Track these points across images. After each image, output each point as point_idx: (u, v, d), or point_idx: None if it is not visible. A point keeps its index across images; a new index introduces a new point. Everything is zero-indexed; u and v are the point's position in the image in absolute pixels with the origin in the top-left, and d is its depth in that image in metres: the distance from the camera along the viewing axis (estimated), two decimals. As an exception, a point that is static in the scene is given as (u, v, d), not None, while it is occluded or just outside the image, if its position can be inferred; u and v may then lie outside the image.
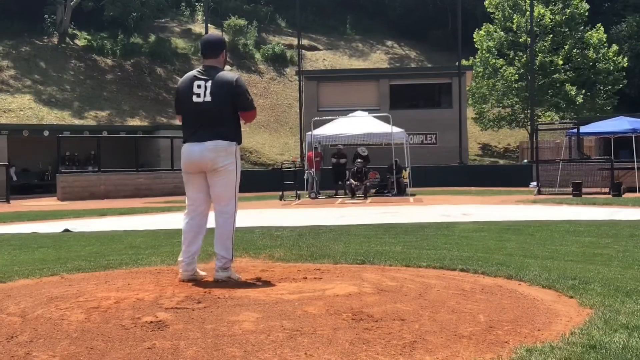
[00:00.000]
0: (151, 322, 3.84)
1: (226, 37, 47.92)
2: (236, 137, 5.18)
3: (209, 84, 5.11)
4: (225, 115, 5.12)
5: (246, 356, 3.28)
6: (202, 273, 5.36)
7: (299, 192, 21.28)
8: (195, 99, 5.13)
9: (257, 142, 39.41)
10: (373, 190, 22.50)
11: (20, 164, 29.30)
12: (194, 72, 5.28)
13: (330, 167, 23.88)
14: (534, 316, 4.08)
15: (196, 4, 54.73)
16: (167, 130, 30.97)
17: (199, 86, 5.13)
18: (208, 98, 5.08)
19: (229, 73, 5.26)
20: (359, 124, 22.79)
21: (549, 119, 38.93)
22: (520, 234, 9.32)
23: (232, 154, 5.12)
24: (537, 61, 37.19)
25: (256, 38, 50.98)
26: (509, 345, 3.45)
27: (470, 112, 38.99)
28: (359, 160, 21.71)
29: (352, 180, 21.02)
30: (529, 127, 34.75)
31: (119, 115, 39.75)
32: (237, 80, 5.16)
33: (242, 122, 5.33)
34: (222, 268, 5.16)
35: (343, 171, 22.55)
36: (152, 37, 48.82)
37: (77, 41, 46.29)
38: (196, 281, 5.21)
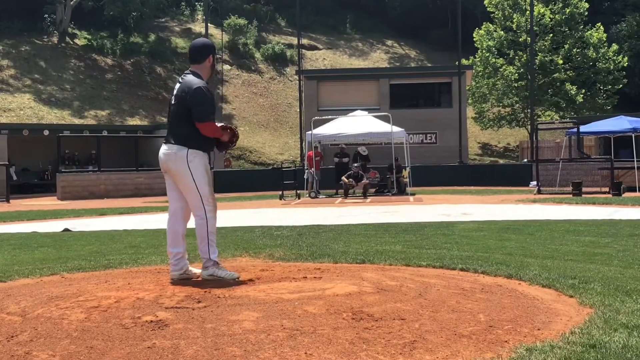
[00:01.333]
0: (151, 321, 3.85)
1: (226, 37, 47.98)
2: (188, 142, 5.12)
3: (177, 87, 5.26)
4: (181, 119, 5.17)
5: (246, 355, 3.28)
6: (197, 271, 5.36)
7: (299, 191, 21.28)
8: (170, 100, 5.36)
9: (257, 142, 39.42)
10: (373, 190, 22.49)
11: (20, 164, 29.28)
12: (182, 75, 5.45)
13: (333, 166, 23.88)
14: (533, 315, 4.08)
15: (196, 3, 54.72)
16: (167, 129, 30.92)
17: (175, 88, 5.30)
18: (172, 101, 5.26)
19: (194, 79, 5.20)
20: (359, 124, 22.77)
21: (549, 118, 38.90)
22: (520, 233, 9.32)
23: (182, 158, 5.11)
24: (537, 60, 37.19)
25: (256, 37, 50.97)
26: (509, 344, 3.46)
27: (470, 112, 39.01)
28: (354, 165, 21.69)
29: (345, 179, 20.93)
30: (529, 127, 34.73)
31: (119, 114, 39.75)
32: (196, 88, 5.11)
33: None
34: (204, 267, 5.26)
35: (346, 170, 22.57)
36: (152, 37, 48.81)
37: (77, 40, 46.28)
38: (193, 280, 5.21)
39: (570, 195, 18.67)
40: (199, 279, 5.25)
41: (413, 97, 35.11)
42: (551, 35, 39.30)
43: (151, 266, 6.40)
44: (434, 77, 35.81)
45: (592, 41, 38.86)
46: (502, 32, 39.96)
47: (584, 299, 4.52)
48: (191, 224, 5.36)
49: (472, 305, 4.27)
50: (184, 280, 5.21)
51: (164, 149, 5.24)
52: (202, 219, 5.18)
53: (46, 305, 4.35)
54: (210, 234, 5.18)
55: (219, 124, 5.34)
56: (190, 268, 5.36)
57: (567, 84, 38.44)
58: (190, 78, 5.22)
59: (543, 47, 38.79)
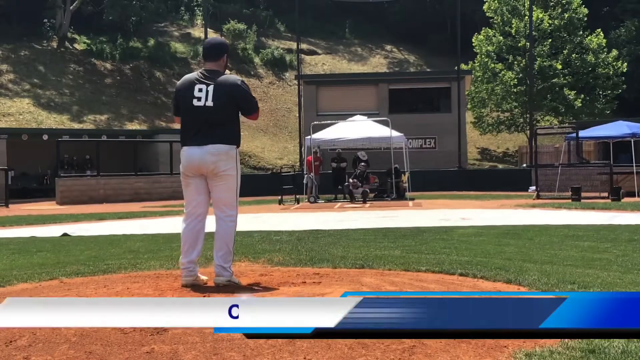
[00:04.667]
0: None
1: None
2: (236, 141, 5.16)
3: (210, 87, 5.07)
4: (227, 118, 5.10)
5: (245, 360, 3.27)
6: (204, 277, 5.34)
7: (298, 196, 21.28)
8: (195, 102, 5.09)
9: (257, 146, 39.41)
10: (372, 195, 22.50)
11: (19, 168, 29.26)
12: (194, 75, 5.24)
13: (330, 171, 23.90)
14: (533, 320, 4.07)
15: (195, 8, 54.80)
16: (166, 134, 30.97)
17: (200, 90, 5.09)
18: (210, 102, 5.05)
19: (232, 76, 5.28)
20: (358, 128, 22.79)
21: (548, 123, 38.94)
22: (519, 238, 9.32)
23: (232, 157, 5.10)
24: (536, 65, 37.24)
25: (255, 42, 51.05)
26: (508, 349, 3.45)
27: (469, 117, 39.02)
28: (362, 164, 21.70)
29: (351, 180, 20.97)
30: (528, 132, 34.77)
31: (118, 119, 39.76)
32: (241, 84, 5.18)
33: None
34: (219, 273, 5.16)
35: (343, 175, 22.56)
36: (152, 41, 48.86)
37: (76, 45, 46.32)
38: (196, 286, 5.21)
39: (570, 200, 18.67)
40: (206, 284, 5.24)
41: (412, 102, 35.11)
42: (550, 40, 39.37)
43: (150, 271, 6.39)
44: (433, 82, 35.83)
45: (591, 47, 38.92)
46: (501, 37, 40.01)
47: (583, 304, 4.51)
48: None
49: (471, 311, 4.26)
50: (191, 286, 5.19)
51: (209, 148, 5.02)
52: (232, 221, 5.23)
53: (45, 310, 4.34)
54: (235, 236, 5.26)
55: None
56: (198, 274, 5.33)
57: (565, 89, 38.49)
58: (224, 77, 5.18)
59: (542, 52, 38.84)
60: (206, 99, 5.06)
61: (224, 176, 5.12)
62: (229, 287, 5.02)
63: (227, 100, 5.09)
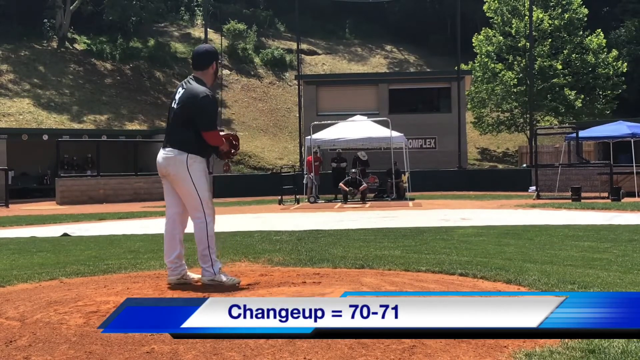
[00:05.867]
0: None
1: (225, 42, 48.03)
2: (188, 147, 5.14)
3: (181, 92, 5.25)
4: (183, 125, 5.17)
5: (245, 360, 3.27)
6: (195, 276, 5.37)
7: (298, 196, 21.28)
8: (172, 104, 5.33)
9: (257, 147, 39.42)
10: (372, 195, 22.49)
11: (19, 168, 29.25)
12: (185, 80, 5.45)
13: (330, 171, 23.91)
14: (533, 320, 4.07)
15: (195, 8, 54.80)
16: (166, 134, 30.92)
17: (177, 93, 5.31)
18: (175, 106, 5.25)
19: (200, 87, 5.21)
20: (358, 128, 22.78)
21: (548, 123, 38.95)
22: (520, 238, 9.32)
23: (182, 163, 5.12)
24: (536, 66, 37.24)
25: (255, 42, 51.05)
26: (508, 349, 3.45)
27: (469, 117, 39.03)
28: (352, 170, 21.72)
29: (343, 185, 20.92)
30: (528, 132, 34.77)
31: (118, 119, 39.76)
32: (203, 97, 5.14)
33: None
34: (204, 271, 5.21)
35: (343, 175, 22.57)
36: (152, 42, 48.86)
37: (76, 45, 46.32)
38: (192, 285, 5.22)
39: (570, 201, 18.67)
40: (198, 283, 5.26)
41: (412, 102, 35.10)
42: (550, 40, 39.37)
43: (150, 271, 6.39)
44: (433, 82, 35.82)
45: (591, 47, 38.93)
46: (501, 37, 40.02)
47: (583, 304, 4.50)
48: (189, 229, 5.37)
49: (471, 311, 4.26)
50: (182, 285, 5.21)
51: (162, 153, 5.25)
52: (202, 222, 5.18)
53: (45, 310, 4.34)
54: (209, 237, 5.18)
55: (222, 133, 5.41)
56: (188, 273, 5.37)
57: (566, 89, 38.49)
58: (195, 85, 5.23)
59: (542, 52, 38.85)
60: (175, 102, 5.27)
61: (177, 180, 5.20)
62: (228, 288, 5.03)
63: (186, 107, 5.16)
